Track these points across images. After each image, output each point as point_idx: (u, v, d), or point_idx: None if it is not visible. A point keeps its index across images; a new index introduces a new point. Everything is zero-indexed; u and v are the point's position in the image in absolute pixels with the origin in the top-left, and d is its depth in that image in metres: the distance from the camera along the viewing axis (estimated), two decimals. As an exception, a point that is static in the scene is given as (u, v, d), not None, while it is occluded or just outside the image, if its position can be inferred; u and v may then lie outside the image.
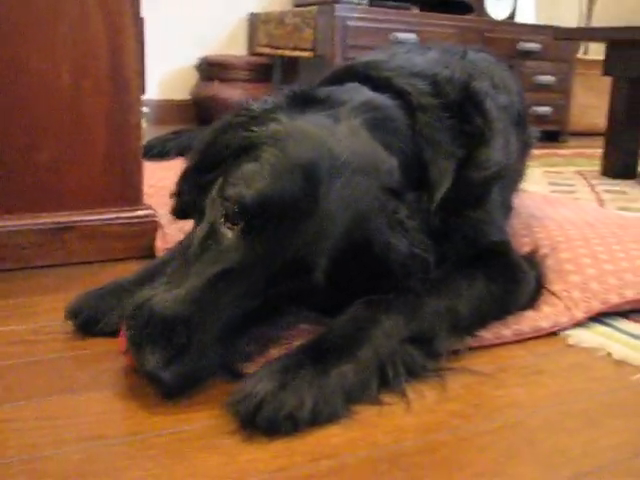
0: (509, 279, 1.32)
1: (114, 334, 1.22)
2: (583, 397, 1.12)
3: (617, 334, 1.35)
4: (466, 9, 4.73)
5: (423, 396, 1.08)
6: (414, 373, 1.11)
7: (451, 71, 1.34)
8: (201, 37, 4.59)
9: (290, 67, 4.77)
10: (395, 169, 1.18)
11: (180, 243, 1.40)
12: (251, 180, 1.07)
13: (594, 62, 4.84)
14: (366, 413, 1.02)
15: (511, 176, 1.57)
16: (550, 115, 4.79)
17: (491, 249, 1.34)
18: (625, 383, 1.17)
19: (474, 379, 1.15)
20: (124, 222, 1.67)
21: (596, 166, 3.44)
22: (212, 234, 1.09)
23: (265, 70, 4.59)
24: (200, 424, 0.97)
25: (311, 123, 1.16)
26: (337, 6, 4.01)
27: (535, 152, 3.62)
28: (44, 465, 0.87)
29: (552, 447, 0.96)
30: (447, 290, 1.22)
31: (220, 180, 1.15)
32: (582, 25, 5.54)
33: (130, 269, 1.40)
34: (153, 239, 1.70)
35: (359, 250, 1.12)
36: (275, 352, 1.12)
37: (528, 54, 4.69)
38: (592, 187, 2.96)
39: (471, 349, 1.23)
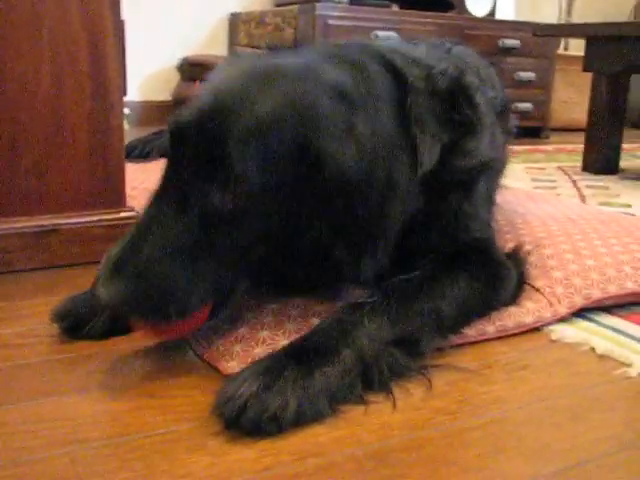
0: (492, 276, 1.33)
1: (100, 337, 1.23)
2: (567, 392, 1.13)
3: (600, 329, 1.36)
4: (446, 6, 4.74)
5: (409, 394, 1.09)
6: (399, 373, 1.11)
7: (445, 65, 1.35)
8: (182, 37, 4.57)
9: (271, 66, 4.75)
10: (355, 82, 1.19)
11: None
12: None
13: (575, 58, 4.87)
14: (352, 412, 1.02)
15: (496, 169, 1.58)
16: (531, 111, 4.81)
17: (474, 246, 1.34)
18: (609, 377, 1.18)
19: (459, 376, 1.15)
20: (107, 224, 1.67)
21: (577, 162, 3.46)
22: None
23: (246, 70, 4.57)
24: (187, 425, 0.98)
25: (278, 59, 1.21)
26: (318, 5, 4.02)
27: (517, 148, 3.67)
28: (32, 468, 0.86)
29: (537, 442, 0.97)
30: (431, 291, 1.23)
31: None
32: (562, 21, 5.56)
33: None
34: (137, 241, 1.69)
35: (303, 163, 1.09)
36: (260, 351, 1.12)
37: (509, 51, 4.71)
38: (574, 183, 2.98)
39: (455, 346, 1.24)
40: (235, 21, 4.70)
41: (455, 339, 1.25)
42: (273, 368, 1.00)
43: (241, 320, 1.22)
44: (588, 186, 2.92)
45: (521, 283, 1.41)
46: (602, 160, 3.31)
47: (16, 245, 1.58)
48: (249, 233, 1.09)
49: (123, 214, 1.70)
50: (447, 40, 1.70)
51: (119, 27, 1.65)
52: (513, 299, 1.37)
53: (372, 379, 1.07)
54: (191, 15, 4.65)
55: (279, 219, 1.11)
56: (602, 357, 1.26)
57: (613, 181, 3.09)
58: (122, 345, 1.22)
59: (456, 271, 1.28)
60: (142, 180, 2.22)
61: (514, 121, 1.93)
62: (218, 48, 4.75)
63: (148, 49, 4.45)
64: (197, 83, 4.34)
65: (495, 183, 1.67)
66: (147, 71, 4.53)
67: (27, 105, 1.57)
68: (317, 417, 0.99)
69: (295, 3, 4.27)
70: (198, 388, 1.08)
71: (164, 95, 4.55)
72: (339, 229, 1.14)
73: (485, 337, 1.28)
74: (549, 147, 4.31)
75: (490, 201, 1.55)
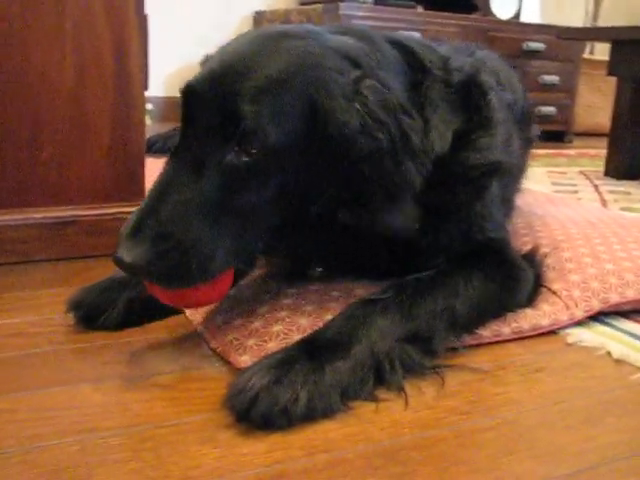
0: (507, 277, 1.32)
1: (115, 328, 1.24)
2: (582, 395, 1.12)
3: (617, 333, 1.35)
4: (471, 8, 4.73)
5: (421, 392, 1.08)
6: (411, 371, 1.11)
7: (461, 63, 1.34)
8: (206, 34, 4.58)
9: (295, 65, 4.76)
10: (362, 50, 1.19)
11: None
12: None
13: (600, 62, 4.83)
14: (363, 409, 1.02)
15: (513, 174, 1.57)
16: (555, 115, 4.79)
17: (489, 246, 1.33)
18: (624, 382, 1.17)
19: (473, 376, 1.15)
20: (127, 217, 1.66)
21: (600, 167, 3.44)
22: None
23: (270, 67, 4.57)
24: (197, 417, 0.98)
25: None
26: (342, 4, 4.01)
27: (539, 152, 3.65)
28: (42, 456, 0.87)
29: (550, 444, 0.96)
30: (444, 289, 1.22)
31: None
32: (588, 25, 5.53)
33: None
34: (155, 234, 1.70)
35: (312, 120, 1.10)
36: (273, 346, 1.12)
37: (533, 54, 4.68)
38: (595, 187, 2.96)
39: (470, 347, 1.23)
40: (260, 19, 4.71)
41: (469, 339, 1.24)
42: (285, 362, 1.00)
43: (255, 314, 1.22)
44: (610, 191, 2.89)
45: (538, 285, 1.39)
46: (625, 165, 3.28)
47: (34, 236, 1.59)
48: (265, 190, 1.09)
49: (142, 207, 1.70)
50: (472, 44, 1.69)
51: (142, 22, 1.65)
52: (529, 301, 1.36)
53: (384, 376, 1.07)
54: (216, 13, 4.66)
55: (293, 177, 1.11)
56: (618, 362, 1.24)
57: (635, 186, 3.06)
58: (136, 337, 1.23)
59: (471, 270, 1.27)
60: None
61: (536, 130, 1.92)
62: (242, 46, 4.75)
63: (173, 46, 4.47)
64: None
65: (512, 187, 1.66)
66: (171, 67, 4.55)
67: (49, 98, 1.58)
68: (328, 412, 0.99)
69: (320, 2, 4.27)
70: (210, 381, 1.08)
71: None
72: (343, 188, 1.14)
73: (500, 338, 1.28)
74: (571, 151, 4.28)
75: (506, 204, 1.54)
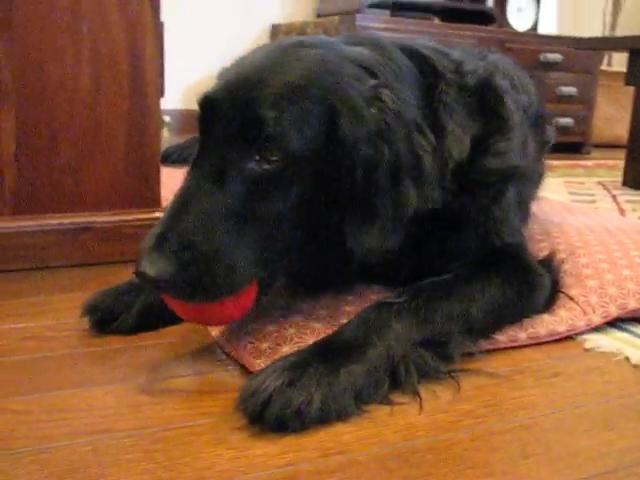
0: (524, 283, 1.31)
1: (129, 332, 1.24)
2: (600, 400, 1.10)
3: (635, 339, 1.33)
4: (488, 20, 4.72)
5: (436, 396, 1.07)
6: (427, 375, 1.10)
7: (475, 66, 1.34)
8: (224, 48, 4.60)
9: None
10: (376, 60, 1.20)
11: None
12: None
13: (618, 74, 4.81)
14: (377, 412, 1.01)
15: (529, 177, 1.56)
16: (572, 127, 4.77)
17: (506, 251, 1.32)
18: (642, 387, 1.16)
19: (488, 380, 1.14)
20: (142, 224, 1.67)
21: (617, 177, 3.42)
22: None
23: (287, 80, 4.59)
24: (210, 420, 0.97)
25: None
26: (359, 16, 4.03)
27: (556, 163, 3.63)
28: (54, 456, 0.87)
29: (566, 448, 0.95)
30: (461, 293, 1.21)
31: None
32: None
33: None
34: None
35: (329, 126, 1.09)
36: (287, 350, 1.12)
37: (550, 65, 4.68)
38: (613, 197, 2.94)
39: (485, 351, 1.22)
40: (276, 32, 4.73)
41: (485, 344, 1.23)
42: (298, 364, 0.99)
43: (269, 319, 1.22)
44: (628, 200, 2.87)
45: (555, 291, 1.38)
46: (642, 175, 3.26)
47: (51, 242, 1.60)
48: (287, 198, 1.08)
49: (158, 214, 1.70)
50: (485, 48, 1.69)
51: (158, 27, 1.66)
52: (546, 307, 1.34)
53: (399, 379, 1.06)
54: (233, 26, 4.69)
55: (312, 185, 1.09)
56: (636, 367, 1.23)
57: (653, 196, 3.04)
58: (150, 341, 1.23)
59: (487, 275, 1.26)
60: (178, 184, 2.22)
61: (551, 132, 1.90)
62: (259, 58, 4.77)
63: (190, 59, 4.50)
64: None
65: (529, 192, 1.65)
66: (188, 80, 4.57)
67: (66, 104, 1.59)
68: (342, 415, 0.98)
69: (336, 14, 4.28)
70: (223, 385, 1.08)
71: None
72: (347, 197, 1.12)
73: (516, 344, 1.26)
74: (589, 162, 4.26)
75: (522, 209, 1.53)
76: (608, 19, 5.61)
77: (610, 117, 5.22)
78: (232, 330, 1.20)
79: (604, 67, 5.26)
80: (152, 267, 0.98)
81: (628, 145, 3.35)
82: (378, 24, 4.09)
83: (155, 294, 1.21)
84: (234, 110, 1.06)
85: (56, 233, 1.60)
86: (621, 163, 3.43)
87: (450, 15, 4.59)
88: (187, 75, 4.52)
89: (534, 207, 1.77)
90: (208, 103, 1.10)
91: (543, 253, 1.50)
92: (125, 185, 1.68)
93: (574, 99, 4.79)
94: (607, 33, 5.58)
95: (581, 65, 4.78)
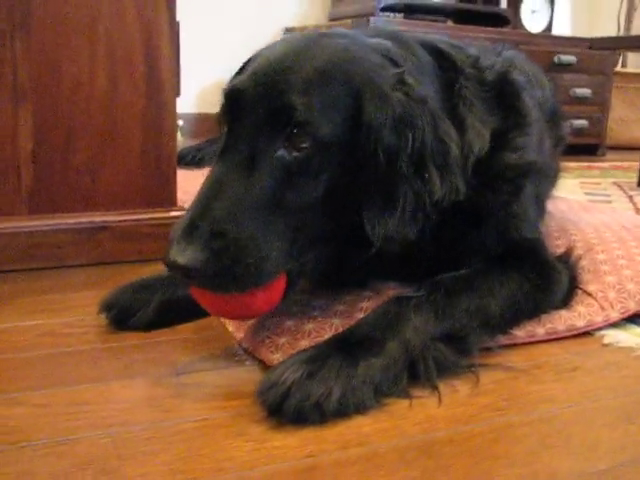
0: (542, 278, 1.30)
1: (145, 329, 1.24)
2: (619, 394, 1.10)
3: (654, 335, 1.32)
4: (502, 21, 4.71)
5: (455, 390, 1.07)
6: (446, 369, 1.10)
7: (492, 61, 1.34)
8: (236, 52, 4.61)
9: (325, 81, 4.78)
10: (398, 51, 1.20)
11: None
12: None
13: (633, 75, 4.80)
14: (396, 405, 1.01)
15: (545, 173, 1.55)
16: (587, 128, 4.74)
17: (524, 246, 1.32)
18: (662, 382, 1.15)
19: (507, 375, 1.13)
20: (158, 223, 1.68)
21: (633, 178, 3.40)
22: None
23: (301, 84, 4.60)
24: (228, 413, 0.97)
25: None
26: (372, 19, 4.03)
27: (571, 165, 3.61)
28: (73, 448, 0.87)
29: (587, 440, 0.95)
30: (479, 288, 1.21)
31: None
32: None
33: (162, 270, 1.40)
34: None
35: (356, 113, 1.09)
36: (305, 344, 1.12)
37: (565, 67, 4.65)
38: (630, 198, 2.92)
39: (504, 346, 1.22)
40: (290, 36, 4.73)
41: (503, 339, 1.22)
42: (317, 357, 0.99)
43: (287, 314, 1.22)
44: (644, 200, 2.85)
45: (573, 287, 1.37)
46: (658, 176, 3.24)
47: (68, 241, 1.61)
48: (316, 186, 1.07)
49: (174, 213, 1.71)
50: (499, 44, 1.68)
51: (174, 28, 1.67)
52: (564, 303, 1.34)
53: (417, 373, 1.06)
54: (247, 30, 4.69)
55: (340, 174, 1.09)
56: (656, 362, 1.22)
57: (670, 196, 3.02)
58: (166, 337, 1.23)
59: (505, 270, 1.25)
60: (194, 185, 2.22)
61: (567, 128, 1.90)
62: (272, 62, 4.78)
63: (203, 64, 4.51)
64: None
65: (545, 188, 1.64)
66: (203, 84, 4.58)
67: (82, 104, 1.60)
68: (360, 408, 0.98)
69: (350, 17, 4.29)
70: (241, 379, 1.08)
71: (218, 108, 4.57)
72: (370, 183, 1.11)
73: (534, 339, 1.26)
74: (604, 164, 4.24)
75: (538, 205, 1.52)
76: (622, 20, 5.59)
77: (625, 119, 5.19)
78: (249, 325, 1.20)
79: (619, 68, 5.24)
80: (183, 256, 0.97)
81: (644, 145, 3.34)
82: (392, 26, 4.09)
83: (184, 285, 1.16)
84: (262, 98, 1.06)
85: (72, 232, 1.61)
86: (636, 165, 3.41)
87: (463, 17, 4.58)
88: (199, 80, 4.53)
89: (550, 205, 1.77)
90: (235, 94, 1.10)
91: (560, 250, 1.50)
92: (141, 184, 1.68)
93: (588, 101, 4.77)
94: (622, 34, 5.56)
95: (595, 66, 4.75)
